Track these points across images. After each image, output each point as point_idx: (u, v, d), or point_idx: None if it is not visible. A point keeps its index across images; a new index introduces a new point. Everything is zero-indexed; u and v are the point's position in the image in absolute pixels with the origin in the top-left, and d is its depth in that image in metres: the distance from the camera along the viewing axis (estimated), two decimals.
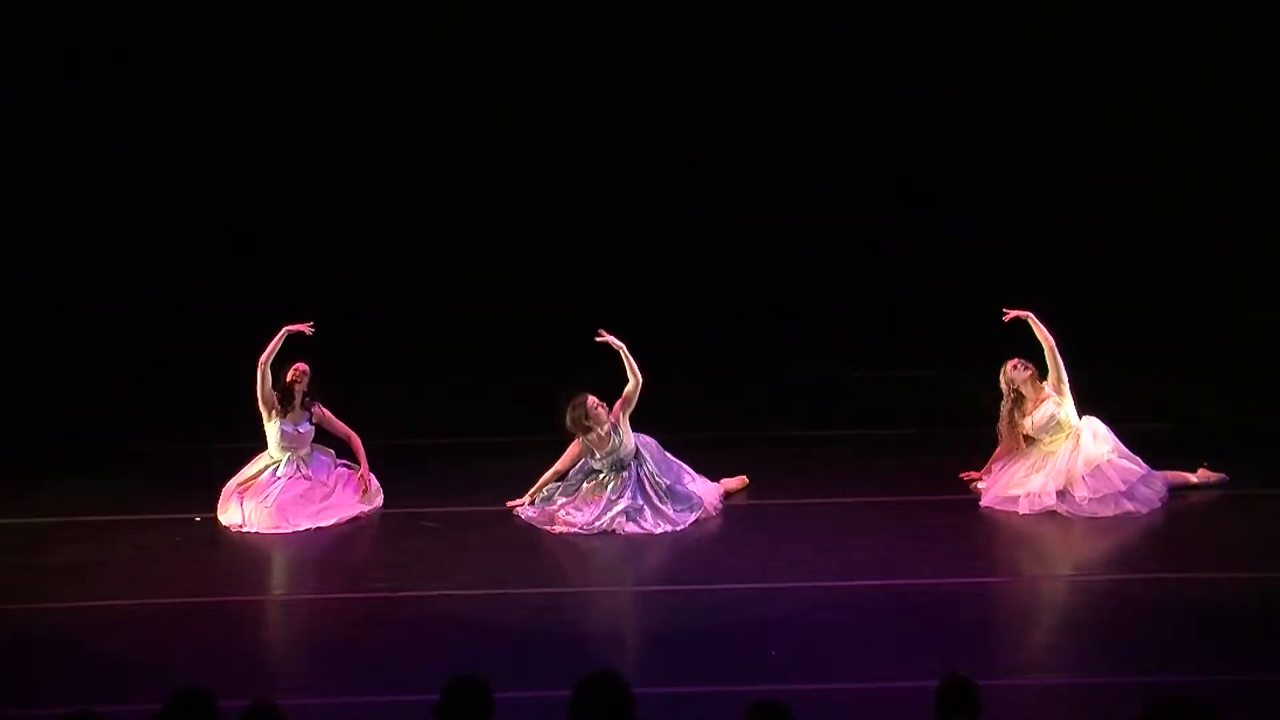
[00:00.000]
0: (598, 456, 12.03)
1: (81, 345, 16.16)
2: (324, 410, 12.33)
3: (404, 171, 16.54)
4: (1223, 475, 12.46)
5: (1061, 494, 12.06)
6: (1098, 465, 12.06)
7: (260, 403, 12.19)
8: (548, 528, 11.92)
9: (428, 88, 16.42)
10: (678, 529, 11.89)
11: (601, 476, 11.99)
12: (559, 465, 12.16)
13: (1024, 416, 12.30)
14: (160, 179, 16.30)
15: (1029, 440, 12.33)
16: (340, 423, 12.38)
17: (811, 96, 16.29)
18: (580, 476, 12.08)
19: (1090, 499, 12.00)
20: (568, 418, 12.01)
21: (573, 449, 12.13)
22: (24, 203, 16.32)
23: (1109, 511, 11.99)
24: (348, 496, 12.29)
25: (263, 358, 12.17)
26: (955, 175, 16.51)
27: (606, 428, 11.97)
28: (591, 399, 11.98)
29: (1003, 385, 12.36)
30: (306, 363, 12.29)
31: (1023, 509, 12.08)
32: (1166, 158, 16.37)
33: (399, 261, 16.66)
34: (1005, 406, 12.37)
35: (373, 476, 12.41)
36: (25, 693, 9.12)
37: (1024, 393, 12.28)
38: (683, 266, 16.62)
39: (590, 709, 6.25)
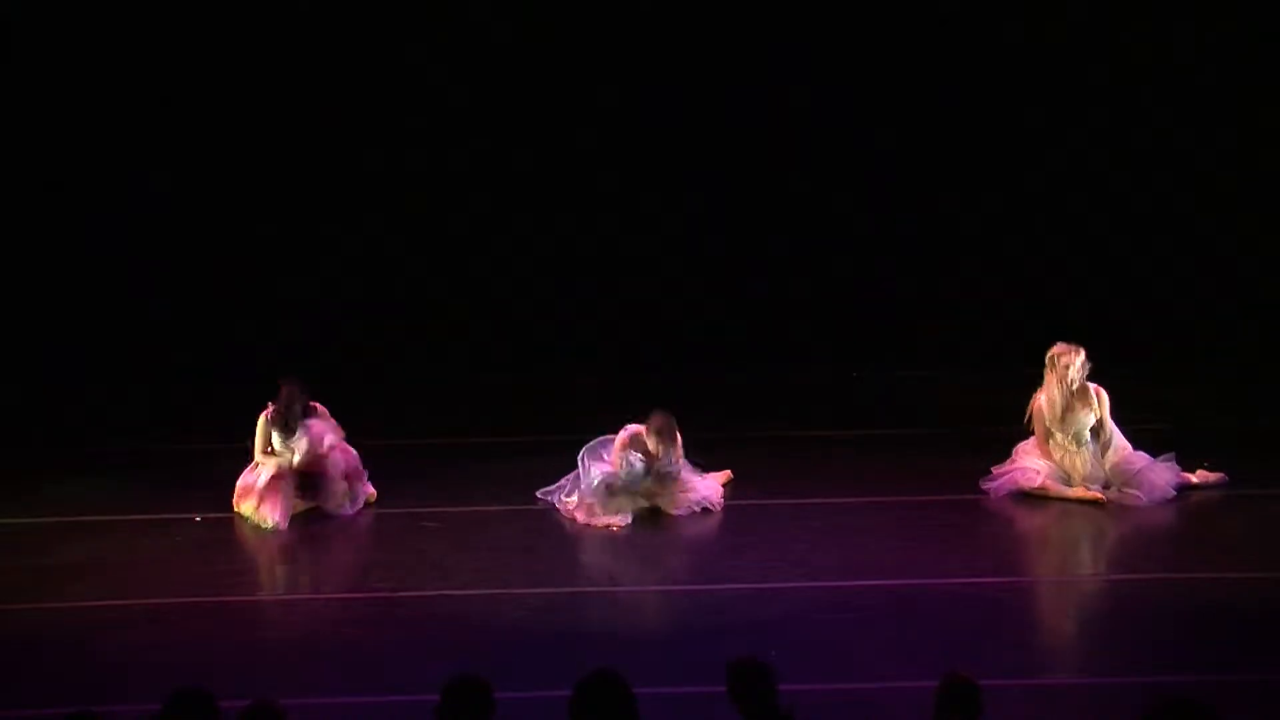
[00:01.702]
0: (644, 471, 12.02)
1: (82, 345, 16.14)
2: (321, 410, 12.31)
3: (405, 171, 16.50)
4: (1222, 475, 12.47)
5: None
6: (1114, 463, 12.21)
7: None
8: (572, 513, 11.96)
9: (428, 84, 16.40)
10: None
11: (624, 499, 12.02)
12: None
13: (1070, 412, 12.21)
14: (160, 178, 16.27)
15: (1053, 434, 12.27)
16: (332, 421, 12.34)
17: (812, 96, 16.27)
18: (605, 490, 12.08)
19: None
20: (668, 424, 11.98)
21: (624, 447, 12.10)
22: (24, 202, 16.31)
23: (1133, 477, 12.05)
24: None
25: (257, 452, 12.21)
26: (956, 175, 16.49)
27: (677, 457, 12.05)
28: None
29: (1071, 374, 12.21)
30: (291, 381, 12.23)
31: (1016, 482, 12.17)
32: (1168, 157, 16.35)
33: (399, 262, 16.63)
34: (1059, 397, 12.25)
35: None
36: (26, 693, 9.12)
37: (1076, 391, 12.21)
38: (683, 266, 16.60)
39: (592, 709, 6.25)
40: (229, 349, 16.02)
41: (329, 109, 16.30)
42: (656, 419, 12.02)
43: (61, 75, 16.06)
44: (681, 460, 12.17)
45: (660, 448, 11.98)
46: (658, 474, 12.06)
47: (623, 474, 11.97)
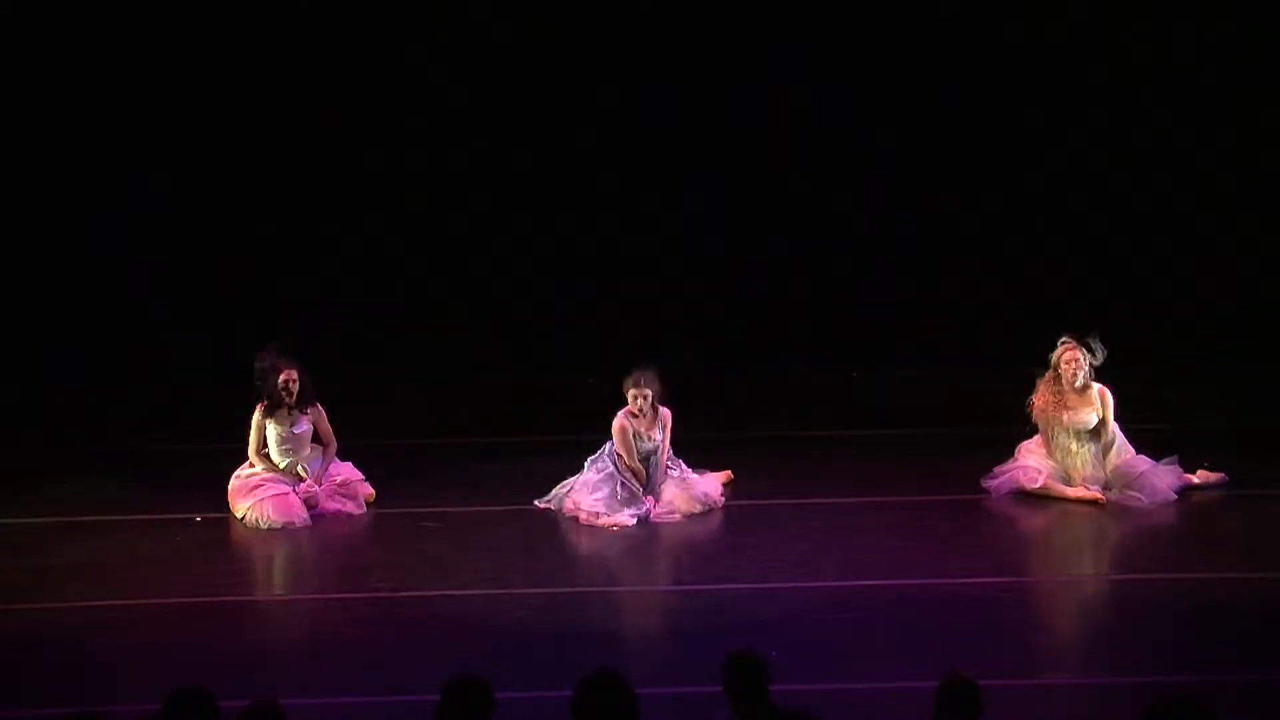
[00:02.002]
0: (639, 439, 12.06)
1: (82, 345, 16.14)
2: (321, 411, 12.30)
3: (405, 171, 16.51)
4: (1222, 475, 12.47)
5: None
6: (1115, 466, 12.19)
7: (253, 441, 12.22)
8: (572, 513, 11.96)
9: (428, 84, 16.40)
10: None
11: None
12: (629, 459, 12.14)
13: (1067, 409, 12.21)
14: (160, 178, 16.27)
15: (1055, 433, 12.26)
16: (329, 428, 12.34)
17: (812, 96, 16.27)
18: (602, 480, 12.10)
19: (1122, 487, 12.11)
20: (644, 374, 12.06)
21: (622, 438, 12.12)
22: (24, 202, 16.31)
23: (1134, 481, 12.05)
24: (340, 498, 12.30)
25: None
26: (956, 175, 16.49)
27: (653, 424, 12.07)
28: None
29: (1074, 369, 12.22)
30: (296, 368, 12.23)
31: (1015, 481, 12.17)
32: (1168, 157, 16.36)
33: (399, 262, 16.64)
34: (1053, 393, 12.26)
35: (319, 486, 12.28)
36: (25, 693, 9.12)
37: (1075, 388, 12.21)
38: (683, 266, 16.60)
39: (592, 709, 6.25)
40: (229, 349, 16.01)
41: (329, 109, 16.29)
42: (632, 373, 12.07)
43: (61, 75, 16.06)
44: (669, 433, 12.15)
45: (639, 399, 11.98)
46: (645, 454, 12.08)
47: (621, 492, 11.98)
